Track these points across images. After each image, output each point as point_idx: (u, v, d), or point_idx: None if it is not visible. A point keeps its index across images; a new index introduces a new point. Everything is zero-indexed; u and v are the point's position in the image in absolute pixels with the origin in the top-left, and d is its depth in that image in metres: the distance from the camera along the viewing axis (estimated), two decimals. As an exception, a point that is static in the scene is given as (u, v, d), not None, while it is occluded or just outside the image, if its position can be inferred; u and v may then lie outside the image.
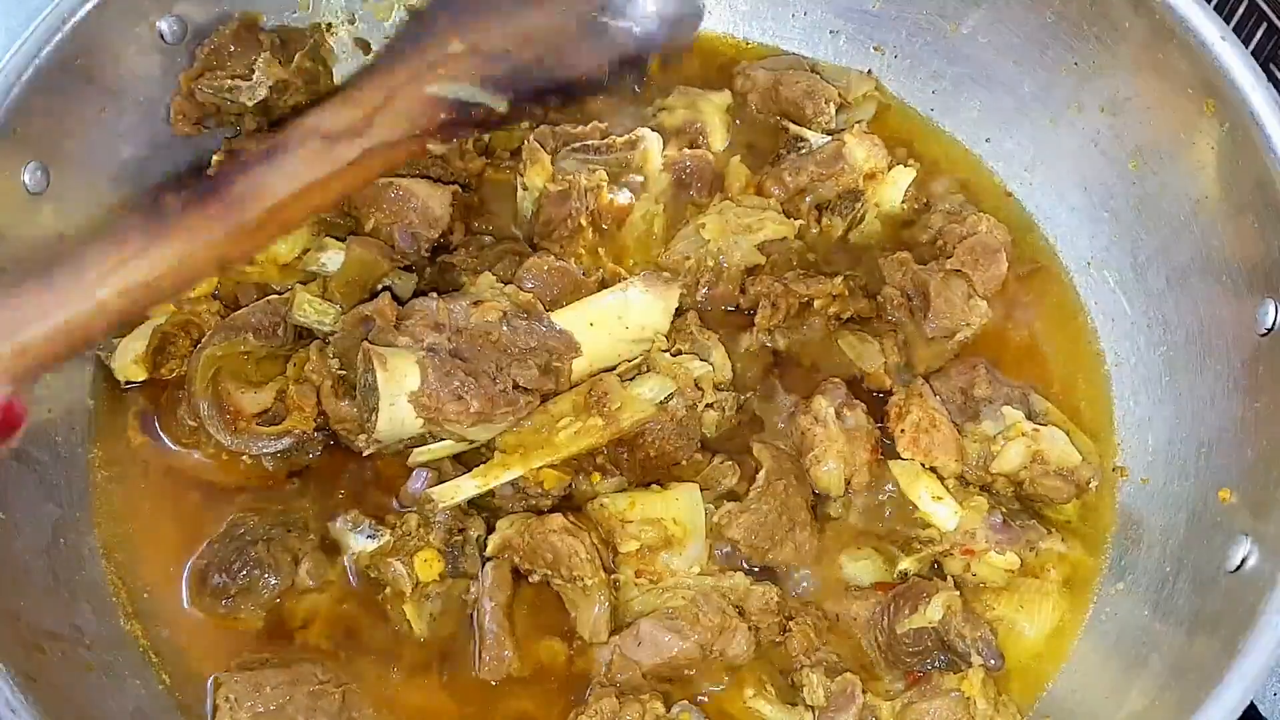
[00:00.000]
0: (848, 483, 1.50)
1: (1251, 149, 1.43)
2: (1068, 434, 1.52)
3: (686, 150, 1.65)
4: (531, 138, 1.62)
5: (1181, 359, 1.56)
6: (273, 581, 1.43)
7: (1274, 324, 1.40)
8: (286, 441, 1.49)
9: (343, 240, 1.57)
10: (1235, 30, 1.53)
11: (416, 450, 1.45)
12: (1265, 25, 1.69)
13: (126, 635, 1.44)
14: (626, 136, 1.63)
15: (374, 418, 1.36)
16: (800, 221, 1.66)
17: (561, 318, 1.46)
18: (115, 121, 1.53)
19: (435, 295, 1.44)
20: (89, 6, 1.41)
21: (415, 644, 1.43)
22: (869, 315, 1.63)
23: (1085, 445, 1.55)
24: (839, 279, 1.60)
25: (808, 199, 1.69)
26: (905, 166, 1.71)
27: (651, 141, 1.63)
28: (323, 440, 1.51)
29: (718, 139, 1.73)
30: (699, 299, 1.60)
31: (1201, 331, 1.54)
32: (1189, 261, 1.55)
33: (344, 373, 1.45)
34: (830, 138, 1.70)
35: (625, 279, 1.52)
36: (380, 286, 1.54)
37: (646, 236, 1.62)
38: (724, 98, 1.76)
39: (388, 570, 1.40)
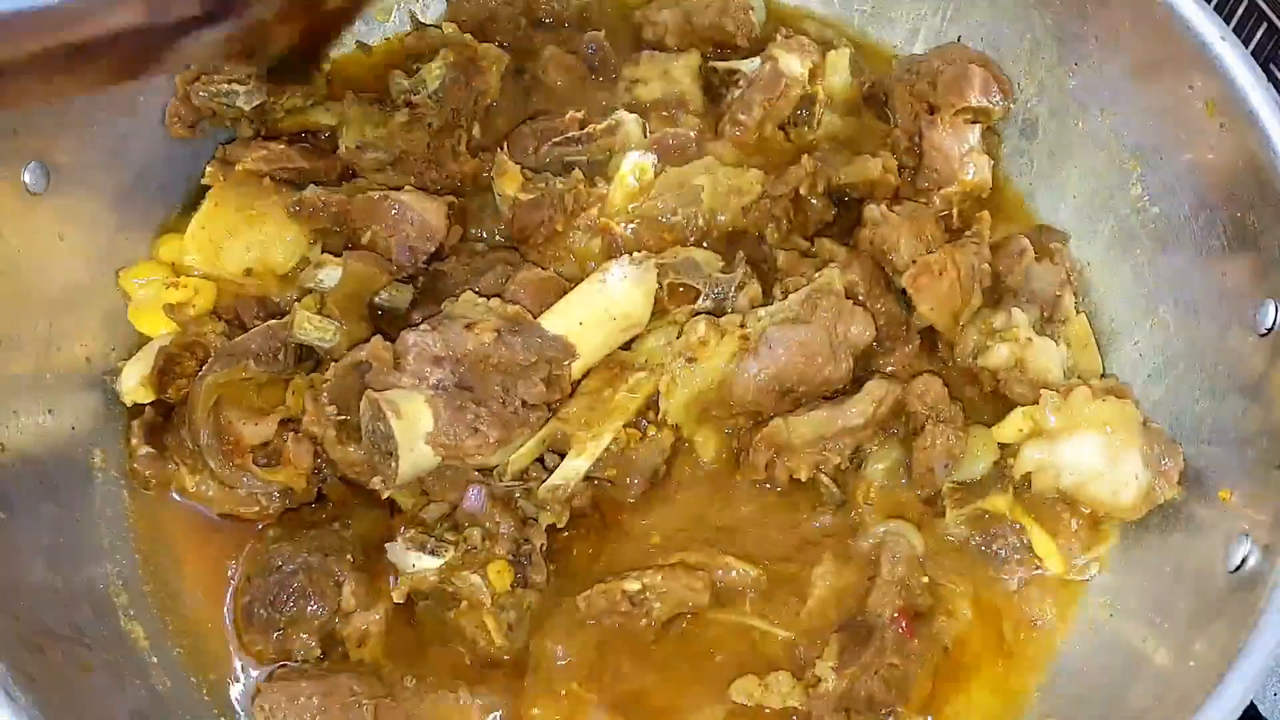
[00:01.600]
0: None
1: (1251, 149, 1.43)
2: (1085, 346, 1.61)
3: (668, 130, 1.65)
4: (504, 146, 1.63)
5: (1182, 359, 1.56)
6: (319, 609, 1.42)
7: (1274, 324, 1.40)
8: (276, 490, 1.48)
9: (339, 255, 1.56)
10: (1235, 30, 1.54)
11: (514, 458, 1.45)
12: (1265, 25, 1.69)
13: (126, 635, 1.44)
14: (606, 123, 1.63)
15: (394, 464, 1.36)
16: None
17: (551, 322, 1.46)
18: (115, 122, 1.53)
19: (427, 327, 1.43)
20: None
21: (484, 655, 1.43)
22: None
23: (1091, 363, 1.61)
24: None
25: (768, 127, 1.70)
26: (838, 50, 1.74)
27: (631, 124, 1.63)
28: (315, 491, 1.50)
29: (697, 101, 1.73)
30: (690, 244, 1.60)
31: (1202, 332, 1.54)
32: (1189, 261, 1.55)
33: (344, 418, 1.43)
34: (760, 60, 1.71)
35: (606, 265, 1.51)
36: (378, 299, 1.56)
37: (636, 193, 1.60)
38: (693, 58, 1.76)
39: (465, 584, 1.38)
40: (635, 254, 1.50)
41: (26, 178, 1.41)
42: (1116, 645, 1.48)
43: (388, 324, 1.56)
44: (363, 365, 1.42)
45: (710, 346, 1.47)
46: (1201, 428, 1.51)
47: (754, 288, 1.53)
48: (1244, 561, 1.35)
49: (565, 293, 1.50)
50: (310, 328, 1.49)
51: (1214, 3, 1.56)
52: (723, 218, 1.60)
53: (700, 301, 1.53)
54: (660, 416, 1.50)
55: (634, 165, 1.57)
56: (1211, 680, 1.25)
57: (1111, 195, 1.66)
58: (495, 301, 1.46)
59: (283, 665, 1.43)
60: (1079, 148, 1.69)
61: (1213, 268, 1.52)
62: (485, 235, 1.67)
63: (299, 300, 1.53)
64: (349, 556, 1.45)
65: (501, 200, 1.60)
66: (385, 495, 1.43)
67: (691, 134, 1.66)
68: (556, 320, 1.46)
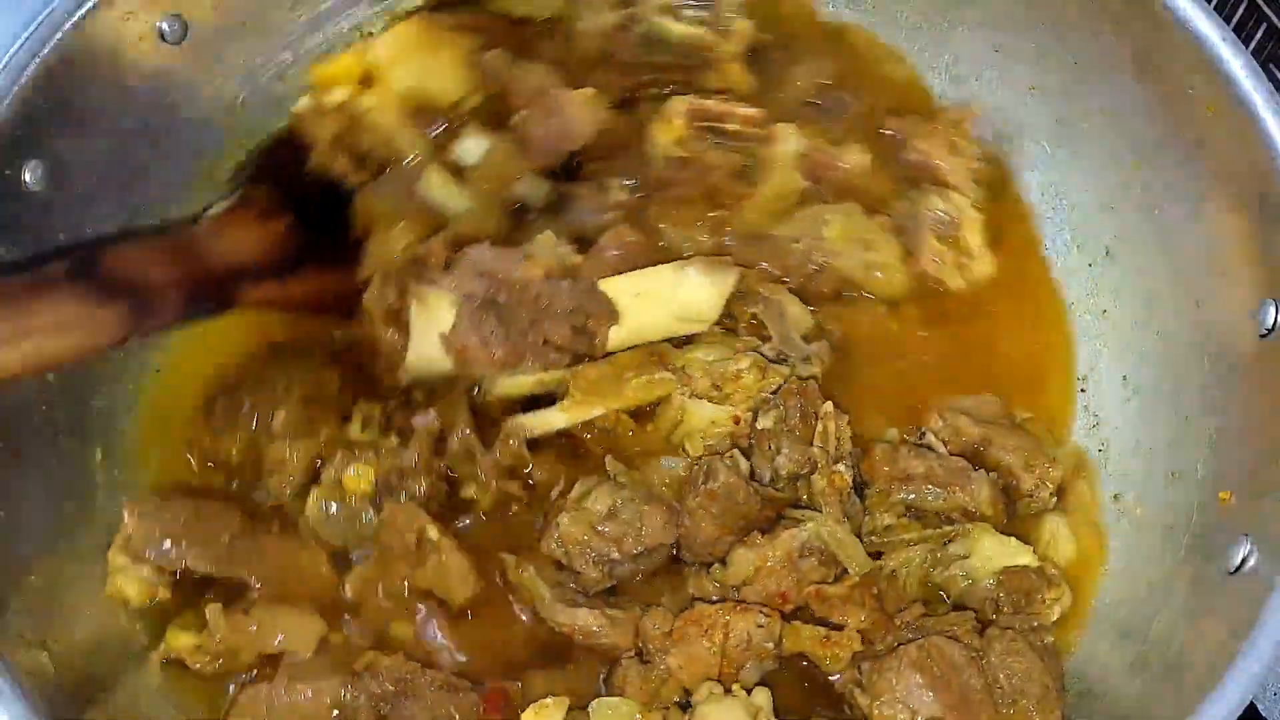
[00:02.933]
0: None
1: (1252, 150, 1.43)
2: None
3: (820, 155, 1.64)
4: (676, 99, 1.61)
5: (1182, 359, 1.57)
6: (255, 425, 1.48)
7: (1274, 324, 1.40)
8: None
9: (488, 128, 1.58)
10: (1235, 30, 1.53)
11: (504, 382, 1.48)
12: (1265, 25, 1.69)
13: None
14: (766, 130, 1.62)
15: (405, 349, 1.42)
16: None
17: (610, 285, 1.47)
18: (117, 120, 1.51)
19: (489, 245, 1.46)
20: (88, 6, 1.40)
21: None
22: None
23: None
24: None
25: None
26: None
27: (788, 142, 1.62)
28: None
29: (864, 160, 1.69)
30: (791, 286, 1.59)
31: (1202, 332, 1.54)
32: (1190, 261, 1.55)
33: (397, 307, 1.47)
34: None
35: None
36: (516, 191, 1.57)
37: (765, 211, 1.62)
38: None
39: (337, 467, 1.43)
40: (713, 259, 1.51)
41: (27, 176, 1.39)
42: (1116, 646, 1.48)
43: (516, 224, 1.58)
44: (422, 261, 1.47)
45: (742, 382, 1.48)
46: (1202, 428, 1.52)
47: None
48: (1244, 562, 1.35)
49: (652, 263, 1.52)
50: (438, 186, 1.53)
51: (1214, 3, 1.55)
52: (839, 263, 1.59)
53: (766, 344, 1.53)
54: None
55: (782, 181, 1.60)
56: (1210, 682, 1.26)
57: (1113, 195, 1.66)
58: (565, 249, 1.48)
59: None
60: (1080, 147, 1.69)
61: (1214, 268, 1.52)
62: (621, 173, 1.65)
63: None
64: (305, 395, 1.49)
65: (652, 147, 1.60)
66: (402, 385, 1.47)
67: (845, 167, 1.64)
68: (617, 283, 1.48)
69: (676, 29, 1.60)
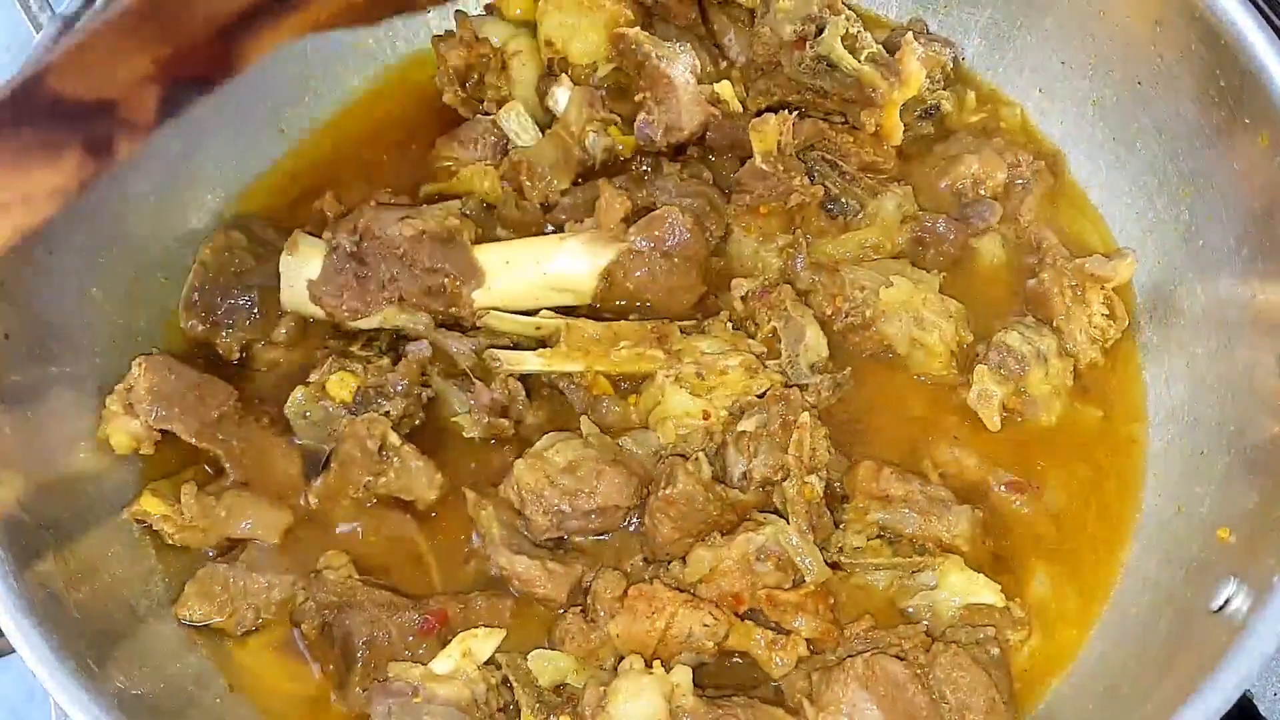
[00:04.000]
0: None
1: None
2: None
3: (934, 219, 1.63)
4: (794, 113, 1.63)
5: (1207, 394, 1.51)
6: (253, 321, 1.56)
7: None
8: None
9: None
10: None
11: (494, 314, 1.53)
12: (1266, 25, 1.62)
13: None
14: (874, 189, 1.64)
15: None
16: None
17: (483, 251, 1.53)
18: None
19: (375, 204, 1.57)
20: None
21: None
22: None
23: None
24: None
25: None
26: None
27: (890, 208, 1.63)
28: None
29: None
30: (836, 328, 1.57)
31: (1233, 366, 1.48)
32: (1224, 294, 1.50)
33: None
34: None
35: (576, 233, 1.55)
36: (586, 142, 1.65)
37: (845, 250, 1.63)
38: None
39: (326, 374, 1.48)
40: (600, 234, 1.53)
41: None
42: (1092, 677, 1.43)
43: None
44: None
45: (726, 379, 1.48)
46: (1215, 464, 1.46)
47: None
48: (1227, 603, 1.29)
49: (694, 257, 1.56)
50: (514, 117, 1.66)
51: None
52: (886, 327, 1.55)
53: (773, 361, 1.52)
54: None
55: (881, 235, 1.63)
56: (1167, 714, 1.20)
57: (1158, 218, 1.61)
58: (443, 213, 1.55)
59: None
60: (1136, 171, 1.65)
61: (1246, 302, 1.46)
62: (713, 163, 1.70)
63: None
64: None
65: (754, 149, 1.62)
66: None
67: (952, 236, 1.63)
68: (491, 250, 1.54)
69: (849, 60, 1.61)
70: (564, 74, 1.68)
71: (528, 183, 1.62)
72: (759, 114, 1.63)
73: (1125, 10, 1.57)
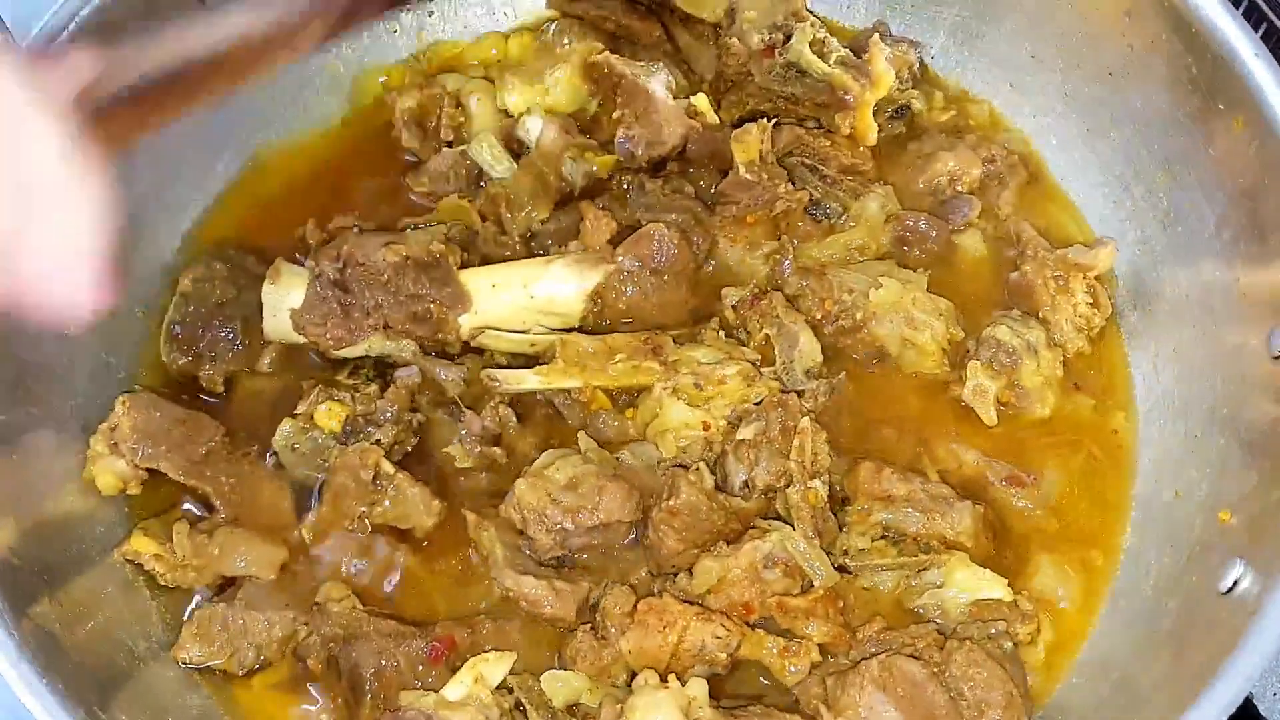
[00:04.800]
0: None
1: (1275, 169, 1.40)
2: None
3: (915, 217, 1.63)
4: (772, 120, 1.62)
5: (1195, 378, 1.52)
6: (235, 351, 1.53)
7: (1287, 346, 1.37)
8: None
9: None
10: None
11: (489, 333, 1.51)
12: (1265, 25, 1.66)
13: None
14: (856, 190, 1.64)
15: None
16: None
17: (469, 276, 1.51)
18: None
19: (358, 230, 1.55)
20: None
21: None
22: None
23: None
24: None
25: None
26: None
27: (873, 209, 1.63)
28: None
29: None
30: (827, 331, 1.56)
31: (1217, 352, 1.49)
32: (1208, 280, 1.51)
33: None
34: None
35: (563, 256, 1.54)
36: (563, 169, 1.63)
37: (831, 253, 1.62)
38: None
39: (314, 402, 1.45)
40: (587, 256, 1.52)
41: None
42: (1102, 669, 1.43)
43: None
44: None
45: (725, 388, 1.47)
46: (1209, 447, 1.46)
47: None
48: (1235, 584, 1.30)
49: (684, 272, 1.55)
50: (486, 149, 1.64)
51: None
52: (877, 329, 1.54)
53: (768, 369, 1.51)
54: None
55: (866, 236, 1.62)
56: (1185, 702, 1.21)
57: (1137, 208, 1.63)
58: (426, 236, 1.52)
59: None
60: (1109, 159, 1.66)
61: (1231, 289, 1.47)
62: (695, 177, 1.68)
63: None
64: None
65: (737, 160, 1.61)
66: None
67: (934, 234, 1.62)
68: (477, 274, 1.52)
69: (819, 65, 1.61)
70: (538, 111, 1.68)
71: (507, 215, 1.60)
72: (734, 125, 1.63)
73: (1094, 2, 1.59)
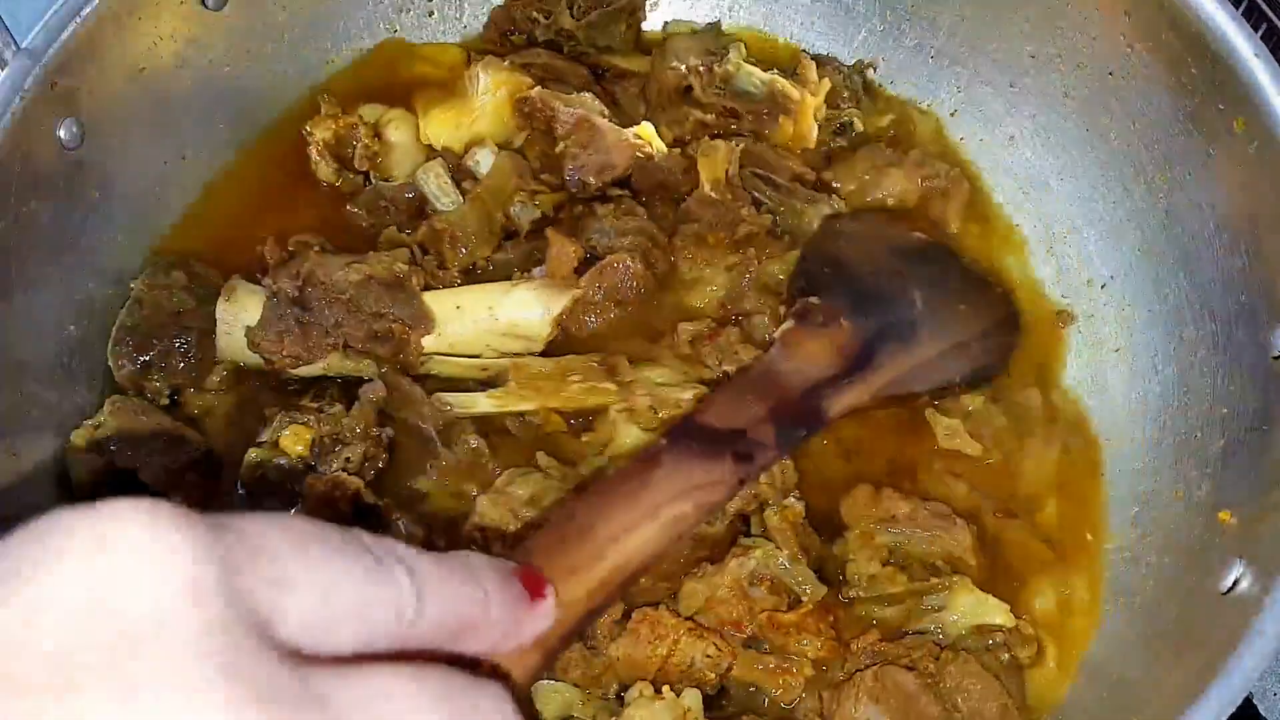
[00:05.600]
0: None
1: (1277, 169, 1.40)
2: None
3: None
4: (722, 141, 1.64)
5: (1194, 377, 1.52)
6: (185, 364, 1.49)
7: (1287, 347, 1.37)
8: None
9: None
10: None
11: (439, 358, 1.49)
12: (1265, 25, 1.66)
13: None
14: (810, 197, 1.65)
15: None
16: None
17: (433, 297, 1.49)
18: (153, 78, 1.54)
19: (318, 249, 1.52)
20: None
21: None
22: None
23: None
24: None
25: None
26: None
27: (820, 215, 1.64)
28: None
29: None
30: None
31: (1216, 351, 1.50)
32: (1209, 281, 1.52)
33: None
34: None
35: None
36: (511, 209, 1.61)
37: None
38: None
39: (280, 422, 1.43)
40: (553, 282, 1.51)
41: (62, 132, 1.40)
42: (1098, 675, 1.44)
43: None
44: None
45: (680, 412, 1.44)
46: (1209, 447, 1.47)
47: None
48: (1235, 584, 1.30)
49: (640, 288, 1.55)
50: (433, 179, 1.61)
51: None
52: None
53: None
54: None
55: None
56: (1185, 702, 1.20)
57: (1136, 209, 1.63)
58: (391, 259, 1.50)
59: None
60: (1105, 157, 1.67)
61: (1232, 289, 1.48)
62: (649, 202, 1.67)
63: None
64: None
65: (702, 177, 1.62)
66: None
67: None
68: (441, 295, 1.50)
69: (759, 75, 1.63)
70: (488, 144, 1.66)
71: (449, 250, 1.57)
72: (672, 145, 1.65)
73: (1094, 1, 1.59)
